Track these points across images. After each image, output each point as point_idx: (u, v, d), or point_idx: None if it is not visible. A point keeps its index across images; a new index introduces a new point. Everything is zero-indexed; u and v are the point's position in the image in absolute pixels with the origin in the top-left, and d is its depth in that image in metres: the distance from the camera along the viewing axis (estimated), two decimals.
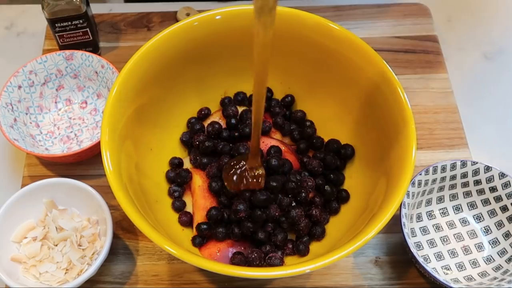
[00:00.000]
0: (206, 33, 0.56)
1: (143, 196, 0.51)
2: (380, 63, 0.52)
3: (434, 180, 0.58)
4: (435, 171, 0.57)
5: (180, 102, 0.60)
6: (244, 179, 0.51)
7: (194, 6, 0.77)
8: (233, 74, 0.61)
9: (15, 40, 0.77)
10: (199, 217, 0.54)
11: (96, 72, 0.66)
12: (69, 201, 0.58)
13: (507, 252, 0.57)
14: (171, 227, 0.54)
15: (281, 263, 0.52)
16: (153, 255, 0.58)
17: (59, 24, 0.66)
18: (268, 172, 0.53)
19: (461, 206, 0.61)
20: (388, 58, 0.54)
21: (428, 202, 0.60)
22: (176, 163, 0.59)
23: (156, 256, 0.58)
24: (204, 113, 0.61)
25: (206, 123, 0.60)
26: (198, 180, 0.56)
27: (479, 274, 0.56)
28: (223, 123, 0.60)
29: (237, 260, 0.51)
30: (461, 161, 0.58)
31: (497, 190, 0.58)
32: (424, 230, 0.60)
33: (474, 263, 0.57)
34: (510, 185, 0.56)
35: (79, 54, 0.65)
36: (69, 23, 0.66)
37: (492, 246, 0.58)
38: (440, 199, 0.61)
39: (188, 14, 0.75)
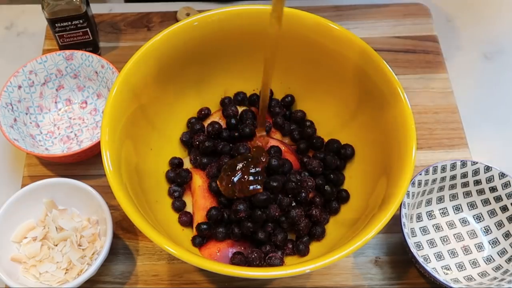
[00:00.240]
0: (206, 33, 0.56)
1: (143, 196, 0.51)
2: (380, 63, 0.52)
3: (434, 180, 0.58)
4: (435, 171, 0.57)
5: (180, 102, 0.60)
6: (240, 188, 0.51)
7: (194, 6, 0.77)
8: (233, 74, 0.61)
9: (15, 40, 0.77)
10: (199, 217, 0.54)
11: (96, 72, 0.66)
12: (69, 201, 0.58)
13: (507, 252, 0.57)
14: (171, 227, 0.54)
15: (281, 263, 0.52)
16: (153, 255, 0.58)
17: (59, 24, 0.66)
18: (268, 172, 0.53)
19: (461, 206, 0.61)
20: (388, 58, 0.54)
21: (428, 202, 0.60)
22: (176, 163, 0.59)
23: (156, 256, 0.58)
24: (204, 113, 0.61)
25: (206, 123, 0.60)
26: (198, 180, 0.56)
27: (479, 274, 0.56)
28: (223, 123, 0.60)
29: (237, 260, 0.51)
30: (461, 161, 0.58)
31: (497, 190, 0.58)
32: (424, 230, 0.60)
33: (474, 263, 0.57)
34: (510, 185, 0.56)
35: (79, 54, 0.65)
36: (69, 23, 0.66)
37: (492, 246, 0.58)
38: (440, 199, 0.61)
39: (188, 14, 0.75)
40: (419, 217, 0.60)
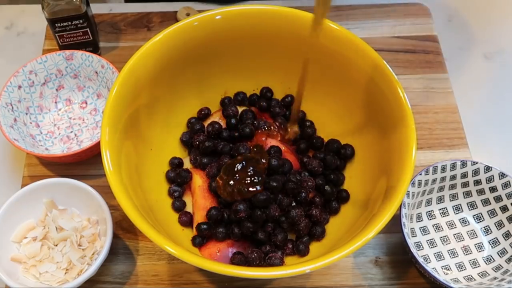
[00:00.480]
0: (206, 33, 0.56)
1: (143, 196, 0.51)
2: (380, 63, 0.52)
3: (434, 180, 0.58)
4: (435, 171, 0.57)
5: (180, 102, 0.60)
6: (239, 192, 0.51)
7: (194, 6, 0.77)
8: (233, 74, 0.61)
9: (15, 40, 0.77)
10: (199, 217, 0.54)
11: (96, 72, 0.66)
12: (69, 201, 0.58)
13: (507, 252, 0.57)
14: (171, 227, 0.54)
15: (281, 263, 0.52)
16: (153, 255, 0.58)
17: (59, 24, 0.66)
18: (268, 172, 0.53)
19: (461, 206, 0.61)
20: (388, 58, 0.54)
21: (428, 202, 0.60)
22: (176, 163, 0.59)
23: (156, 256, 0.58)
24: (204, 113, 0.61)
25: (206, 123, 0.60)
26: (198, 180, 0.56)
27: (479, 274, 0.56)
28: (223, 123, 0.60)
29: (237, 260, 0.51)
30: (461, 161, 0.58)
31: (497, 190, 0.58)
32: (424, 230, 0.60)
33: (474, 263, 0.57)
34: (510, 185, 0.56)
35: (79, 54, 0.65)
36: (69, 23, 0.66)
37: (492, 246, 0.58)
38: (440, 199, 0.61)
39: (188, 14, 0.75)
40: (419, 217, 0.60)
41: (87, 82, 0.68)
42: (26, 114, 0.65)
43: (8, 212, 0.55)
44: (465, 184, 0.59)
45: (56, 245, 0.56)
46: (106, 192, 0.54)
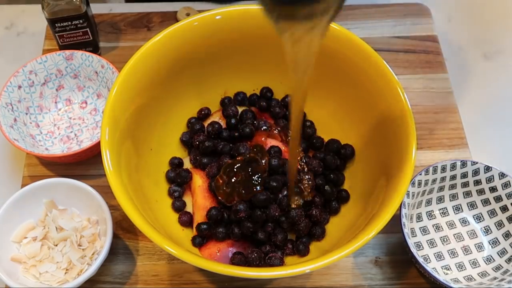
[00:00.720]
0: (206, 33, 0.56)
1: (143, 196, 0.51)
2: (380, 63, 0.52)
3: (434, 180, 0.58)
4: (435, 171, 0.57)
5: (180, 102, 0.60)
6: (238, 191, 0.51)
7: (194, 6, 0.77)
8: (233, 74, 0.61)
9: (15, 40, 0.77)
10: (199, 217, 0.54)
11: (96, 72, 0.66)
12: (69, 201, 0.58)
13: (507, 252, 0.57)
14: (171, 227, 0.54)
15: (281, 263, 0.52)
16: (153, 255, 0.58)
17: (59, 24, 0.66)
18: (268, 172, 0.53)
19: (461, 206, 0.61)
20: (388, 58, 0.54)
21: (428, 202, 0.60)
22: (176, 163, 0.59)
23: (156, 256, 0.58)
24: (204, 113, 0.61)
25: (206, 123, 0.60)
26: (198, 180, 0.56)
27: (479, 274, 0.56)
28: (223, 123, 0.60)
29: (237, 260, 0.51)
30: (461, 161, 0.58)
31: (497, 190, 0.58)
32: (424, 230, 0.60)
33: (474, 263, 0.57)
34: (510, 185, 0.56)
35: (79, 54, 0.65)
36: (69, 23, 0.66)
37: (492, 246, 0.58)
38: (440, 199, 0.61)
39: (188, 14, 0.75)
40: (419, 217, 0.60)
41: (87, 82, 0.68)
42: (26, 114, 0.65)
43: (8, 212, 0.55)
44: (465, 184, 0.59)
45: (56, 245, 0.56)
46: (106, 192, 0.54)
